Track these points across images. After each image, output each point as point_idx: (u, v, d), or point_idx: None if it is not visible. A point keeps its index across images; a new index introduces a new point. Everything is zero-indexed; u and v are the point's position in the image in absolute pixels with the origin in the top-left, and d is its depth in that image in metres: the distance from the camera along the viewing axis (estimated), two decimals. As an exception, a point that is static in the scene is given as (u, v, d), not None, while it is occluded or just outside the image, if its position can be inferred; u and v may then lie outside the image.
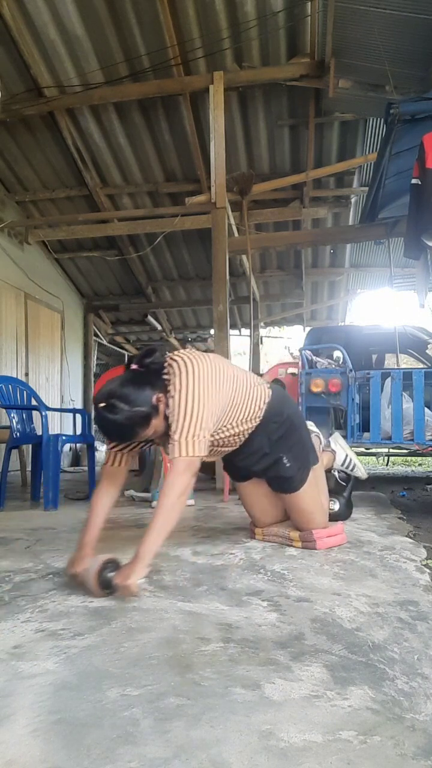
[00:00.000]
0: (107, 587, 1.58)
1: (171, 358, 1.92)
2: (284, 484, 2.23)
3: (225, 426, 2.08)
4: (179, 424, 1.79)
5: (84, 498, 4.07)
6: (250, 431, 2.17)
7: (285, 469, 2.20)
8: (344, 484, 2.76)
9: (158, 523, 1.67)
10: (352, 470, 2.74)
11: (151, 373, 1.87)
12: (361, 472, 2.79)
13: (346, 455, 2.72)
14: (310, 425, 2.61)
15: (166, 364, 1.91)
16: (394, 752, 0.84)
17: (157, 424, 1.85)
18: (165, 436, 1.93)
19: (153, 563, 1.71)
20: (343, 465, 2.71)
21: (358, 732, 0.90)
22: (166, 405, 1.85)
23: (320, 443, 2.60)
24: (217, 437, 2.10)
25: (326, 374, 3.79)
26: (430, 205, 3.47)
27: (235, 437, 2.17)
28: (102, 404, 1.75)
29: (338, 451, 2.70)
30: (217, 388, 1.93)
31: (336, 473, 2.72)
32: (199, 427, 1.80)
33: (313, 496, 2.25)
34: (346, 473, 2.76)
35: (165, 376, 1.88)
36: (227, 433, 2.12)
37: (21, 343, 7.22)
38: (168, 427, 1.86)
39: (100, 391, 1.80)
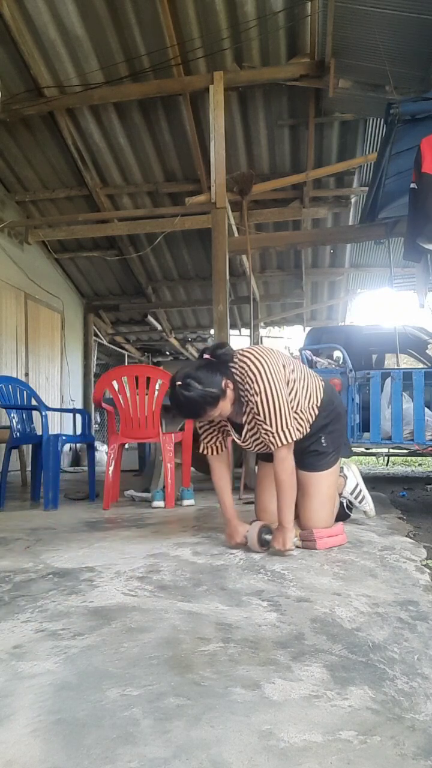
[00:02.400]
0: (264, 545, 2.08)
1: (241, 354, 2.14)
2: (316, 459, 2.32)
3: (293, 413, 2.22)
4: (271, 420, 2.06)
5: (84, 498, 4.07)
6: (307, 430, 2.29)
7: (321, 446, 2.32)
8: (349, 513, 2.73)
9: (285, 498, 2.07)
10: (360, 502, 2.71)
11: (221, 363, 2.10)
12: (369, 507, 2.76)
13: (357, 484, 2.70)
14: (351, 469, 2.70)
15: (235, 359, 2.13)
16: (394, 752, 0.84)
17: (223, 406, 2.09)
18: (232, 424, 2.27)
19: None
20: (352, 494, 2.68)
21: (358, 732, 0.90)
22: (234, 393, 2.11)
23: (343, 485, 2.64)
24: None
25: (326, 374, 3.79)
26: (425, 209, 3.49)
27: (304, 423, 2.30)
28: (179, 383, 2.02)
29: (350, 477, 2.69)
30: (285, 382, 2.16)
31: (344, 500, 2.68)
32: (285, 418, 2.07)
33: (331, 485, 2.35)
34: (351, 504, 2.73)
35: (233, 369, 2.11)
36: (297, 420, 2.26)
37: (21, 343, 7.22)
38: (235, 414, 2.17)
39: (178, 372, 2.06)
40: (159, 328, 10.39)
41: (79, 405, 8.97)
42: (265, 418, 2.07)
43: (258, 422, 2.10)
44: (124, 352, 11.91)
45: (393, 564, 1.96)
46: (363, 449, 5.40)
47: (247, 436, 2.24)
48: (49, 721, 0.94)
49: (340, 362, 4.13)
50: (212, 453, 2.33)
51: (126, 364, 11.53)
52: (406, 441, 3.42)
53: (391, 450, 5.20)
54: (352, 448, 3.05)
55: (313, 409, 2.29)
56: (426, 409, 3.37)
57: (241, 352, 2.16)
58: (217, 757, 0.83)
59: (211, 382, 2.04)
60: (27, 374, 7.27)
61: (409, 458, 7.75)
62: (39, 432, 3.88)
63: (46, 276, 7.91)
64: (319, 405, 2.30)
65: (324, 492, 2.31)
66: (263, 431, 2.09)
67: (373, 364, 5.78)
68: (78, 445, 8.70)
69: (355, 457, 6.81)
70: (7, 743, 0.87)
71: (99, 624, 1.38)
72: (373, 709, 0.97)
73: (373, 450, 5.23)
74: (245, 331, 10.22)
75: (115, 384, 3.57)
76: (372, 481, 5.28)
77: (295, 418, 2.21)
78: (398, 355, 5.13)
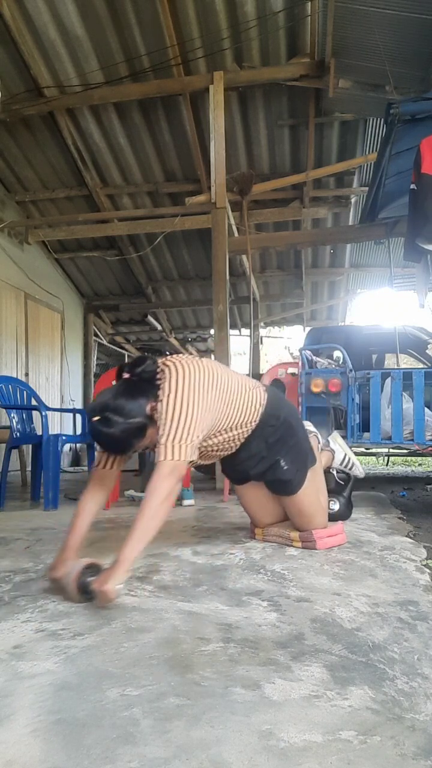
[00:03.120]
0: (85, 592, 1.52)
1: (164, 363, 1.90)
2: (282, 486, 2.22)
3: (220, 430, 2.07)
4: (166, 428, 1.75)
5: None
6: (246, 435, 2.16)
7: (283, 472, 2.18)
8: (343, 483, 2.76)
9: (139, 528, 1.60)
10: (350, 469, 2.73)
11: (143, 382, 1.83)
12: (359, 470, 2.78)
13: (345, 454, 2.71)
14: (308, 425, 2.60)
15: (158, 370, 1.88)
16: (394, 752, 0.84)
17: (153, 433, 1.81)
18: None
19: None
20: (342, 464, 2.70)
21: (358, 732, 0.90)
22: (158, 409, 1.81)
23: (318, 443, 2.59)
24: (213, 441, 2.09)
25: (326, 374, 3.79)
26: (423, 210, 3.49)
27: (231, 441, 2.16)
28: (96, 418, 1.72)
29: (337, 450, 2.69)
30: (209, 393, 1.91)
31: (335, 473, 2.71)
32: (186, 432, 1.77)
33: (312, 497, 2.24)
34: (345, 473, 2.76)
35: (158, 383, 1.85)
36: (222, 437, 2.11)
37: (21, 343, 7.22)
38: None
39: (93, 403, 1.77)
40: (159, 328, 10.39)
41: (79, 405, 8.97)
42: (163, 423, 1.76)
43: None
44: (124, 352, 11.91)
45: (393, 564, 1.96)
46: (363, 449, 5.39)
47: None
48: (49, 721, 0.94)
49: (340, 362, 4.12)
50: (103, 466, 1.88)
51: (126, 364, 11.50)
52: (406, 441, 3.42)
53: (391, 450, 5.20)
54: (352, 448, 3.07)
55: (249, 424, 2.12)
56: (426, 409, 3.37)
57: (163, 361, 1.91)
58: (217, 757, 0.83)
59: (135, 409, 1.75)
60: (27, 374, 7.27)
61: (409, 458, 7.75)
62: (39, 432, 3.88)
63: (46, 276, 7.91)
64: (257, 419, 2.12)
65: (306, 506, 2.22)
66: (157, 437, 1.77)
67: (373, 364, 5.78)
68: (78, 445, 8.69)
69: (356, 458, 6.80)
70: (7, 743, 0.87)
71: (99, 624, 1.38)
72: (373, 709, 0.97)
73: (373, 450, 5.23)
74: (245, 331, 10.22)
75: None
76: (372, 481, 5.28)
77: (222, 436, 2.06)
78: (398, 355, 5.13)
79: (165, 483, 1.69)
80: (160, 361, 1.92)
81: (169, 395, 1.80)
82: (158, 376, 1.87)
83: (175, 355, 1.96)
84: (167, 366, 1.88)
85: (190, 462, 1.81)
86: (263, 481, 2.29)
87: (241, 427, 2.13)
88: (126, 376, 1.84)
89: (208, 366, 1.98)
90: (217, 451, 2.19)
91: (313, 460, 2.29)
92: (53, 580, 1.65)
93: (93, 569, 1.58)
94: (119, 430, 1.73)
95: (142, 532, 1.61)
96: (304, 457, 2.24)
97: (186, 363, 1.90)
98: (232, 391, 2.05)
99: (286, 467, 2.18)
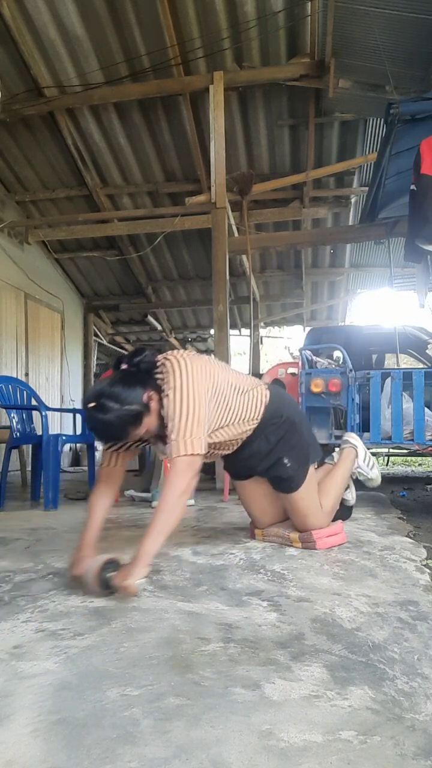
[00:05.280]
0: (107, 587, 1.57)
1: (164, 358, 1.91)
2: (284, 484, 2.22)
3: (222, 428, 2.07)
4: (177, 423, 1.77)
5: (84, 498, 4.07)
6: (248, 434, 2.16)
7: (285, 470, 2.18)
8: (349, 508, 2.66)
9: (158, 523, 1.66)
10: (371, 468, 2.59)
11: (141, 372, 1.85)
12: (377, 472, 2.62)
13: (365, 451, 2.61)
14: (352, 437, 2.56)
15: (158, 363, 1.89)
16: (394, 752, 0.84)
17: (149, 422, 1.83)
18: (158, 437, 1.94)
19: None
20: (365, 461, 2.57)
21: (358, 732, 0.90)
22: (160, 404, 1.84)
23: (356, 456, 2.52)
24: (215, 440, 2.09)
25: (326, 374, 3.79)
26: (423, 211, 3.49)
27: (233, 440, 2.16)
28: (92, 404, 1.73)
29: (359, 446, 2.57)
30: (212, 388, 1.93)
31: (356, 473, 2.57)
32: (196, 425, 1.79)
33: (312, 496, 2.24)
34: (363, 473, 2.61)
35: (158, 376, 1.87)
36: (225, 436, 2.11)
37: (21, 343, 7.22)
38: (162, 426, 1.86)
39: (89, 391, 1.79)
40: (159, 328, 10.39)
41: (79, 405, 8.96)
42: (172, 419, 1.78)
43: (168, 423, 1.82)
44: (124, 352, 11.91)
45: (393, 564, 1.96)
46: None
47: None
48: (49, 721, 0.94)
49: (340, 362, 4.12)
50: (108, 464, 1.96)
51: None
52: (406, 441, 3.42)
53: (391, 450, 5.20)
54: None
55: (251, 422, 2.13)
56: (426, 409, 3.37)
57: (165, 356, 1.93)
58: (217, 757, 0.83)
59: (130, 397, 1.76)
60: (27, 374, 7.27)
61: (409, 458, 7.75)
62: (39, 432, 3.88)
63: (46, 276, 7.91)
64: (258, 418, 2.13)
65: (306, 506, 2.22)
66: (167, 433, 1.80)
67: (373, 364, 5.78)
68: (78, 445, 8.69)
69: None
70: (7, 743, 0.87)
71: (99, 624, 1.38)
72: (373, 709, 0.97)
73: (373, 450, 5.23)
74: (245, 331, 10.22)
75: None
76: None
77: (224, 433, 2.05)
78: (398, 355, 5.13)
79: (182, 478, 1.72)
80: (160, 356, 1.93)
81: (175, 391, 1.81)
82: (158, 369, 1.88)
83: (175, 351, 1.96)
84: (168, 360, 1.88)
85: (202, 455, 1.82)
86: (266, 477, 2.28)
87: (243, 425, 2.12)
88: (124, 366, 1.84)
89: (209, 362, 2.00)
90: (218, 449, 2.19)
91: (316, 455, 2.28)
92: (74, 578, 1.67)
93: (113, 565, 1.61)
94: (114, 416, 1.74)
95: (161, 526, 1.66)
96: (305, 455, 2.24)
97: (188, 358, 1.91)
98: (233, 389, 2.06)
99: (288, 464, 2.18)
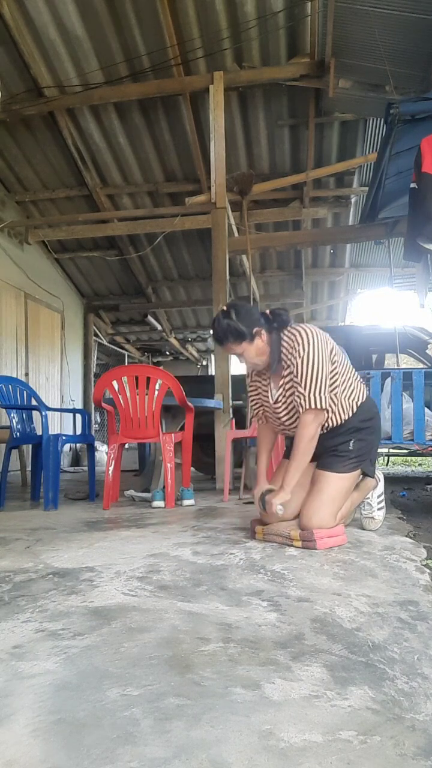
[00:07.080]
0: (263, 503, 2.26)
1: (293, 327, 2.29)
2: (335, 460, 2.34)
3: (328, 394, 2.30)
4: (306, 381, 2.19)
5: (84, 498, 4.07)
6: (339, 422, 2.35)
7: (346, 449, 2.35)
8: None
9: (295, 462, 2.20)
10: (379, 510, 2.58)
11: (271, 321, 2.30)
12: (382, 516, 2.60)
13: (382, 491, 2.62)
14: (381, 473, 2.61)
15: (288, 328, 2.30)
16: (394, 752, 0.84)
17: (247, 348, 2.29)
18: (261, 373, 2.44)
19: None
20: (378, 498, 2.58)
21: (358, 732, 0.90)
22: (267, 345, 2.30)
23: (373, 489, 2.54)
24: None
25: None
26: (424, 209, 3.49)
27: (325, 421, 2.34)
28: (224, 307, 2.31)
29: (381, 481, 2.61)
30: (329, 357, 2.27)
31: (365, 502, 2.57)
32: (323, 384, 2.19)
33: (343, 488, 2.32)
34: (369, 507, 2.60)
35: (284, 337, 2.28)
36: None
37: (21, 343, 7.22)
38: (267, 367, 2.34)
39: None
40: (159, 328, 10.39)
41: (79, 405, 8.97)
42: (301, 379, 2.19)
43: (294, 384, 2.23)
44: (124, 352, 11.91)
45: (393, 564, 1.96)
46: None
47: (280, 399, 2.34)
48: (49, 721, 0.94)
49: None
50: (260, 421, 2.53)
51: (126, 364, 11.53)
52: (406, 441, 3.42)
53: (391, 450, 5.20)
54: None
55: (353, 406, 2.36)
56: (426, 409, 3.37)
57: (294, 325, 2.31)
58: (217, 757, 0.83)
59: (246, 322, 2.25)
60: (27, 374, 7.27)
61: (409, 458, 7.75)
62: (39, 432, 3.88)
63: (46, 276, 7.91)
64: (359, 404, 2.37)
65: (330, 492, 2.29)
66: (297, 394, 2.21)
67: (373, 364, 5.78)
68: (78, 445, 8.70)
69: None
70: (7, 743, 0.87)
71: (99, 624, 1.38)
72: (373, 709, 0.97)
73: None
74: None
75: (115, 384, 3.57)
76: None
77: (332, 399, 2.29)
78: (398, 355, 5.13)
79: (311, 426, 2.22)
80: (289, 326, 2.33)
81: (304, 355, 2.20)
82: (286, 332, 2.29)
83: (303, 324, 2.34)
84: (297, 330, 2.27)
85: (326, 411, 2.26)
86: (325, 450, 2.37)
87: (340, 412, 2.34)
88: (266, 312, 2.33)
89: (329, 340, 2.34)
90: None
91: (369, 469, 2.43)
92: (252, 495, 2.37)
93: (270, 491, 2.28)
94: (226, 324, 2.27)
95: (297, 464, 2.21)
96: (367, 456, 2.41)
97: (315, 329, 2.28)
98: (345, 366, 2.39)
99: (351, 447, 2.36)
